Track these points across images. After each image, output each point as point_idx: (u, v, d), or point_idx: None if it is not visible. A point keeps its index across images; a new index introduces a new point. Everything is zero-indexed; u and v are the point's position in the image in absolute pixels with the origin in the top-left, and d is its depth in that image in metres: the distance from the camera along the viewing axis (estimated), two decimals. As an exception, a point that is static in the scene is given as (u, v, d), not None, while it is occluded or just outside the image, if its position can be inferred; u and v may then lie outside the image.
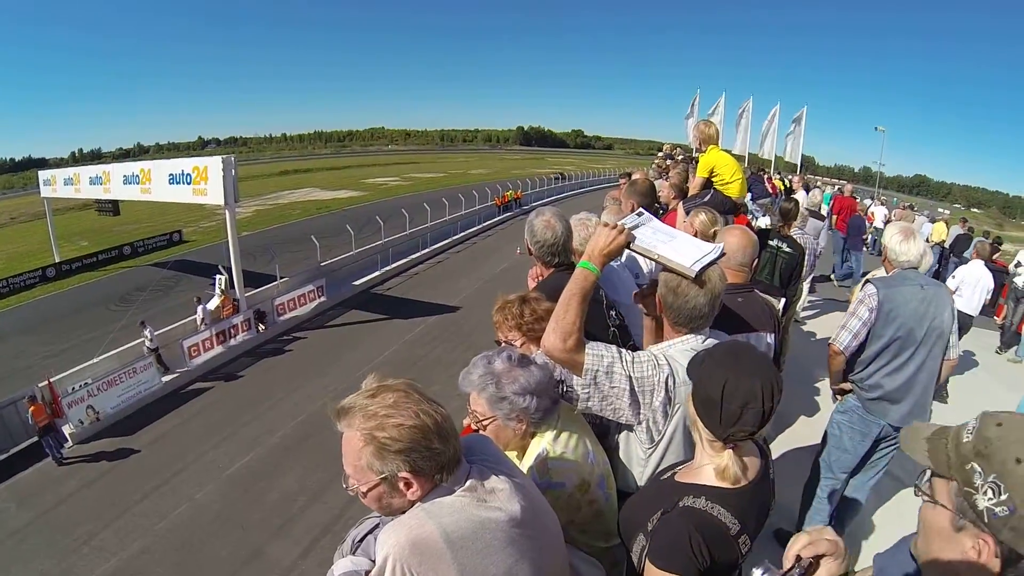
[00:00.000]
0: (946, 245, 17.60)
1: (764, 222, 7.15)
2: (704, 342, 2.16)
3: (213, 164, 19.50)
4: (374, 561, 1.48)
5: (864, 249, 15.48)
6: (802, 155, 23.54)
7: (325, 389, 16.14)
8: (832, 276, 14.48)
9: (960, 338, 4.21)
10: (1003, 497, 1.04)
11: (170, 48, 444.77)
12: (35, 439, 13.92)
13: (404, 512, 1.45)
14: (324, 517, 10.99)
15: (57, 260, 31.88)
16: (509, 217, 41.23)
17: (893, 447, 3.89)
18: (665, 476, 1.92)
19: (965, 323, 8.33)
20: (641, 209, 2.52)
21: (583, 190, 60.62)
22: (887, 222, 19.87)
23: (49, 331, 22.75)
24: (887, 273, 3.85)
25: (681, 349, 2.13)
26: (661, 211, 5.68)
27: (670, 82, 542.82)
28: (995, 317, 11.57)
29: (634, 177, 6.54)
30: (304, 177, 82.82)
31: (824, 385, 6.71)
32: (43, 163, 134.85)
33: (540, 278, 3.15)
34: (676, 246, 2.17)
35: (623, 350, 2.13)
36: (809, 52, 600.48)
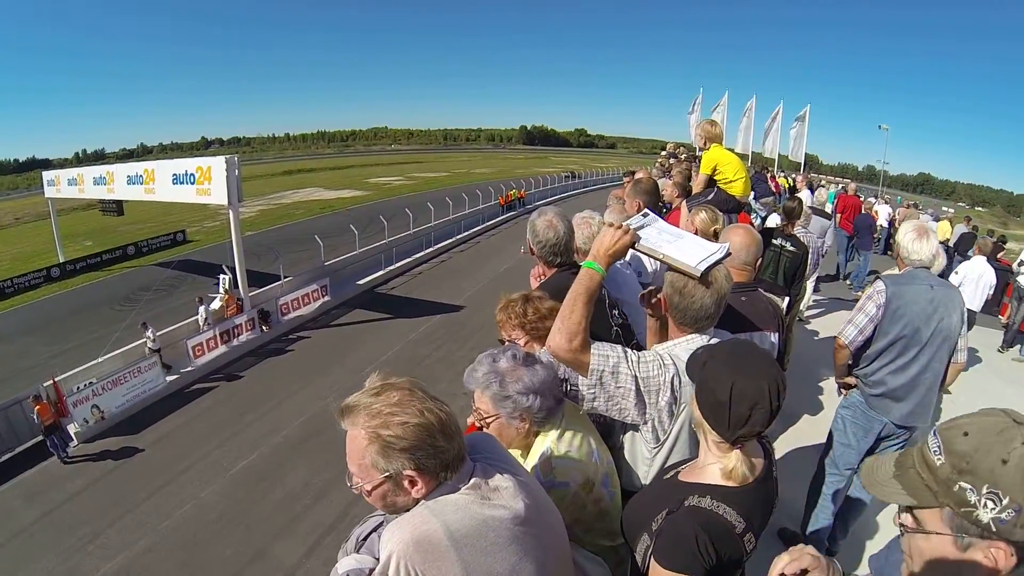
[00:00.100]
0: (950, 244, 17.53)
1: (774, 220, 7.15)
2: (708, 342, 2.16)
3: (217, 164, 19.52)
4: (378, 559, 1.48)
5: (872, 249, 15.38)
6: (805, 153, 23.45)
7: (329, 388, 16.15)
8: (848, 282, 14.40)
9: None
10: (1005, 502, 1.04)
11: (173, 49, 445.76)
12: (40, 438, 13.95)
13: (408, 510, 1.45)
14: (328, 516, 11.01)
15: (61, 260, 31.94)
16: (512, 216, 41.21)
17: (896, 446, 3.89)
18: (668, 475, 1.92)
19: (968, 319, 8.32)
20: (647, 209, 2.52)
21: (586, 189, 60.61)
22: (891, 221, 19.89)
23: (54, 331, 22.79)
24: (900, 271, 3.84)
25: (686, 348, 2.12)
26: (665, 210, 5.68)
27: (673, 81, 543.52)
28: (999, 316, 11.55)
29: (638, 176, 6.54)
30: (307, 177, 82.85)
31: (828, 384, 6.70)
32: (47, 164, 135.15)
33: (542, 277, 3.15)
34: (681, 246, 2.17)
35: (628, 350, 2.13)
36: (813, 50, 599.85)
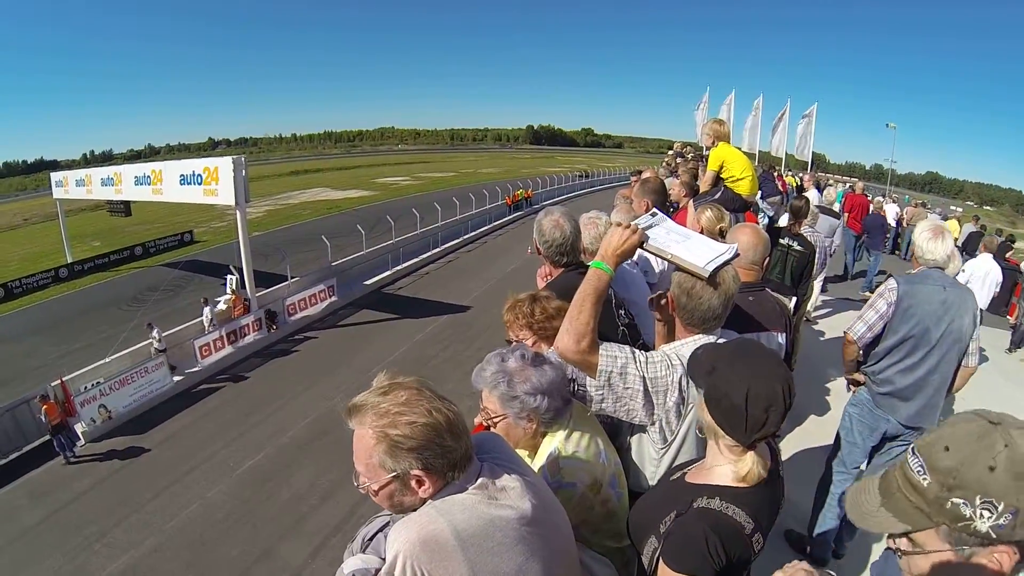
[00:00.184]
0: (959, 243, 17.46)
1: (787, 220, 7.12)
2: (716, 342, 2.14)
3: (224, 165, 19.58)
4: (384, 559, 1.48)
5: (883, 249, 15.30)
6: (813, 152, 23.39)
7: (336, 389, 16.17)
8: (861, 291, 14.31)
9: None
10: (1000, 508, 1.03)
11: (181, 50, 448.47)
12: (47, 437, 14.01)
13: (415, 510, 1.45)
14: (334, 516, 11.02)
15: (69, 261, 32.12)
16: (519, 216, 41.18)
17: (902, 447, 3.86)
18: (675, 477, 1.91)
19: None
20: (655, 209, 2.51)
21: (592, 189, 60.52)
22: (898, 220, 19.80)
23: (62, 331, 22.89)
24: (914, 271, 3.83)
25: (693, 349, 2.11)
26: (672, 209, 5.66)
27: (680, 79, 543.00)
28: (1008, 316, 11.50)
29: (645, 175, 6.53)
30: (314, 177, 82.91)
31: (835, 385, 6.68)
32: (55, 165, 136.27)
33: (549, 277, 3.14)
34: (690, 246, 2.16)
35: (636, 351, 2.13)
36: (820, 48, 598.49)
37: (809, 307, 9.01)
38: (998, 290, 9.05)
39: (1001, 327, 10.53)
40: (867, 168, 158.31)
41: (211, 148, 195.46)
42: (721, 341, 2.10)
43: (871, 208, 15.99)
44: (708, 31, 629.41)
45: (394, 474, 1.41)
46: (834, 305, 10.49)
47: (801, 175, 18.55)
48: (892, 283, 3.68)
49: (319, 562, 10.00)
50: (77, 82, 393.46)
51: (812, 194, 11.71)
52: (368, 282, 26.03)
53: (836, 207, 13.16)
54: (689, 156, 12.23)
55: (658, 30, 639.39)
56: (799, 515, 4.25)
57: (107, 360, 16.85)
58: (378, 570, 1.52)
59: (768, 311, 3.14)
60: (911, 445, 1.19)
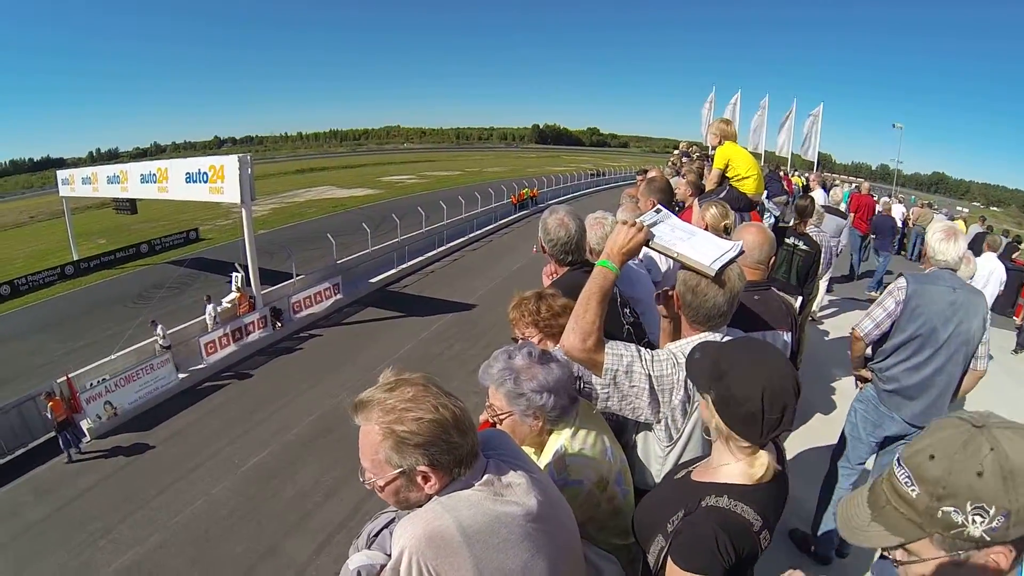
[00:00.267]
0: (965, 244, 17.37)
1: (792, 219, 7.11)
2: (722, 340, 2.14)
3: (229, 163, 19.59)
4: (389, 555, 1.48)
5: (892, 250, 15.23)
6: (819, 152, 23.31)
7: (341, 386, 16.19)
8: (868, 291, 14.25)
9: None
10: (992, 512, 1.02)
11: (185, 50, 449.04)
12: (53, 434, 14.05)
13: (421, 506, 1.45)
14: (339, 513, 11.04)
15: (76, 258, 32.25)
16: (525, 215, 41.14)
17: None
18: (679, 476, 1.90)
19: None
20: (659, 206, 2.51)
21: (598, 188, 60.49)
22: (904, 220, 19.74)
23: (68, 328, 22.98)
24: (925, 271, 3.83)
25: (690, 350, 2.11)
26: (677, 208, 5.66)
27: (686, 79, 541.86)
28: (1014, 317, 11.45)
29: (651, 174, 6.52)
30: (320, 175, 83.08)
31: (840, 384, 6.68)
32: (61, 163, 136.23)
33: (554, 275, 3.15)
34: (695, 244, 2.15)
35: (642, 349, 2.13)
36: (826, 48, 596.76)
37: (815, 307, 9.00)
38: (1002, 288, 9.03)
39: (1007, 328, 10.49)
40: (873, 168, 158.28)
41: (217, 146, 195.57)
42: (720, 341, 2.09)
43: (879, 209, 15.92)
44: (713, 31, 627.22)
45: (400, 470, 1.41)
46: (840, 305, 10.47)
47: (807, 175, 18.52)
48: (902, 282, 3.68)
49: (324, 558, 10.02)
50: (83, 82, 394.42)
51: (818, 194, 11.70)
52: (373, 280, 26.04)
53: (843, 207, 13.13)
54: (695, 156, 12.21)
55: (663, 30, 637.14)
56: (804, 514, 4.25)
57: (113, 357, 16.90)
58: (383, 566, 1.52)
59: (774, 310, 3.14)
60: (896, 456, 1.19)
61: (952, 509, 1.05)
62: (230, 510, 11.60)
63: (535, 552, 1.46)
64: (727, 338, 2.15)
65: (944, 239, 3.66)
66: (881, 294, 3.87)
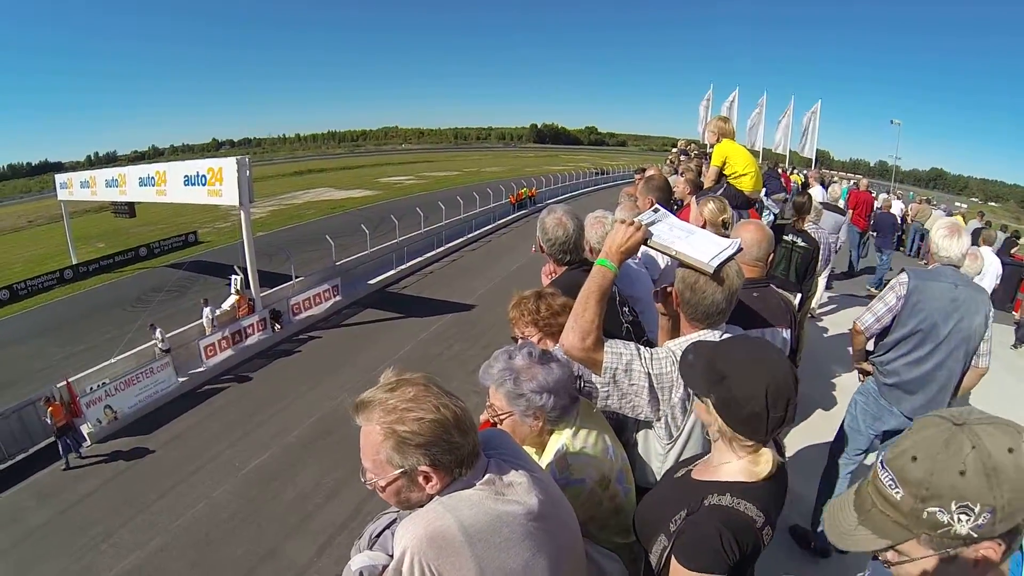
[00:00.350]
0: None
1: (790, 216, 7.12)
2: (721, 337, 2.14)
3: (228, 165, 19.55)
4: (391, 556, 1.48)
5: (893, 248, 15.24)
6: (817, 149, 23.33)
7: (340, 388, 16.18)
8: (868, 286, 14.23)
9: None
10: (977, 509, 1.02)
11: (182, 50, 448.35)
12: (53, 439, 14.01)
13: (422, 506, 1.45)
14: (340, 515, 11.04)
15: (74, 262, 32.14)
16: (524, 215, 41.07)
17: None
18: (680, 474, 1.89)
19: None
20: (657, 205, 2.51)
21: (597, 187, 60.40)
22: (903, 216, 19.74)
23: (67, 332, 22.96)
24: (929, 267, 3.84)
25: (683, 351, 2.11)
26: (676, 206, 5.66)
27: (683, 77, 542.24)
28: (1013, 312, 11.46)
29: (649, 173, 6.53)
30: (318, 177, 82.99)
31: (840, 381, 6.68)
32: (59, 167, 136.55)
33: (553, 275, 3.15)
34: (693, 242, 2.15)
35: (641, 347, 2.13)
36: (823, 45, 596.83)
37: (814, 303, 9.00)
38: (999, 283, 9.05)
39: (1006, 323, 10.49)
40: (871, 165, 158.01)
41: (215, 149, 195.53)
42: (712, 341, 2.08)
43: (878, 206, 15.93)
44: (710, 29, 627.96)
45: (401, 470, 1.41)
46: (839, 301, 10.46)
47: (805, 172, 18.53)
48: (904, 277, 3.70)
49: (325, 560, 10.02)
50: (80, 83, 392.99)
51: (816, 191, 11.71)
52: (372, 281, 25.99)
53: (841, 204, 13.13)
54: (693, 153, 12.21)
55: (660, 29, 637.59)
56: (804, 510, 4.25)
57: (112, 361, 16.84)
58: (385, 567, 1.52)
59: (773, 307, 3.14)
60: (880, 458, 1.19)
61: (937, 509, 1.05)
62: (231, 513, 11.59)
63: (537, 551, 1.46)
64: (725, 336, 2.15)
65: (947, 235, 3.68)
66: (882, 290, 3.89)
